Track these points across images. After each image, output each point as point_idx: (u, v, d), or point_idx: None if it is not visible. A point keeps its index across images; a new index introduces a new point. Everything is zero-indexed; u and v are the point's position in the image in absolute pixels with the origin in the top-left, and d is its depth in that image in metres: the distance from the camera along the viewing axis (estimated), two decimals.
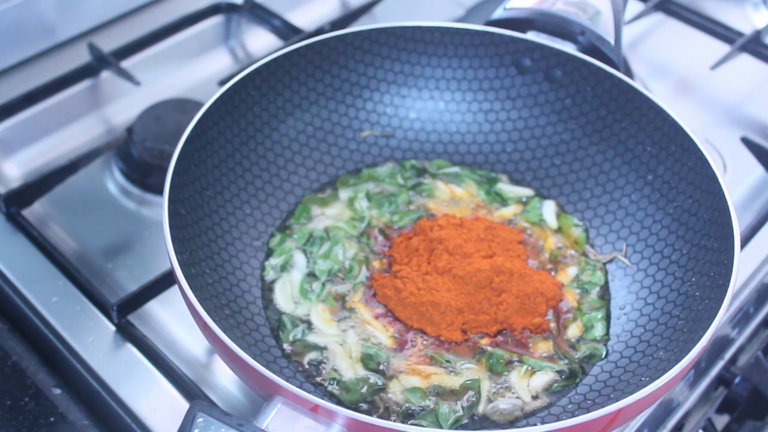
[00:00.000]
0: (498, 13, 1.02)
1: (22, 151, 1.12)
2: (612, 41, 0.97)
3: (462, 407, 0.81)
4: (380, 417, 0.80)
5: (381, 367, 0.84)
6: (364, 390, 0.82)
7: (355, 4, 1.35)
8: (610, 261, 0.94)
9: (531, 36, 0.99)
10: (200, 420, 0.65)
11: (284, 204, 0.97)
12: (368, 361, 0.84)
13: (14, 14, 1.17)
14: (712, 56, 1.25)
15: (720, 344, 0.98)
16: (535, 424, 0.80)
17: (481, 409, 0.82)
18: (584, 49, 0.99)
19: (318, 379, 0.83)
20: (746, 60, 1.26)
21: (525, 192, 1.00)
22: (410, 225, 0.96)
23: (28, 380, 0.87)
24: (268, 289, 0.90)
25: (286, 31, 1.26)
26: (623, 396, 0.70)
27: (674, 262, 0.89)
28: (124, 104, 1.18)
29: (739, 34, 1.28)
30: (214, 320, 0.73)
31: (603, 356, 0.86)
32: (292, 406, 0.68)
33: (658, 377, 0.71)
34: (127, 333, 0.92)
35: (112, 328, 0.92)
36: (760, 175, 1.13)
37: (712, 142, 1.16)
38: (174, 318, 0.94)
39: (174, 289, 0.94)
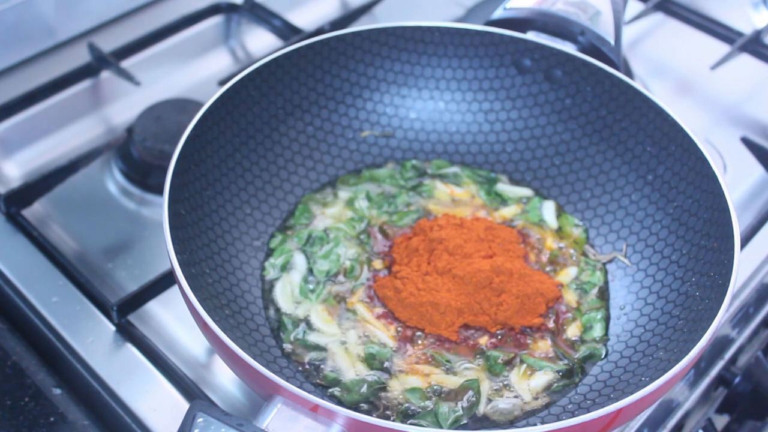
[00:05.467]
0: (498, 13, 1.02)
1: (22, 151, 1.12)
2: (612, 41, 0.98)
3: (462, 407, 0.81)
4: (380, 417, 0.80)
5: (386, 365, 0.84)
6: (364, 390, 0.82)
7: (355, 4, 1.35)
8: (610, 261, 0.94)
9: (531, 36, 0.99)
10: (200, 420, 0.65)
11: (284, 204, 0.97)
12: (372, 360, 0.84)
13: (14, 14, 1.17)
14: (712, 56, 1.25)
15: (720, 344, 0.98)
16: (535, 424, 0.80)
17: (481, 409, 0.82)
18: (584, 49, 0.99)
19: (318, 379, 0.83)
20: (746, 60, 1.26)
21: (525, 192, 1.00)
22: (410, 225, 0.97)
23: (28, 380, 0.87)
24: (268, 289, 0.90)
25: (286, 31, 1.26)
26: (623, 396, 0.70)
27: (674, 262, 0.89)
28: (124, 104, 1.18)
29: (739, 34, 1.28)
30: (214, 320, 0.73)
31: (602, 356, 0.86)
32: (292, 406, 0.68)
33: (658, 377, 0.71)
34: (127, 333, 0.92)
35: (112, 328, 0.92)
36: (760, 175, 1.13)
37: (712, 142, 1.16)
38: (174, 318, 0.94)
39: (174, 289, 0.94)
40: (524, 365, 0.85)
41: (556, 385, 0.84)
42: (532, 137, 1.02)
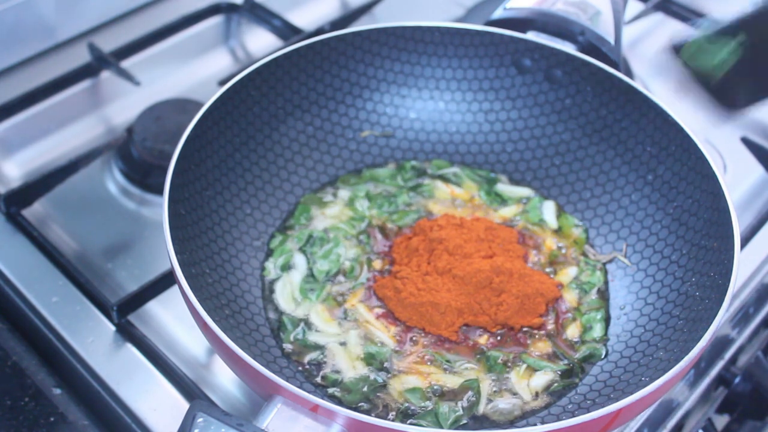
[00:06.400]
0: (498, 13, 1.02)
1: (22, 151, 1.12)
2: (612, 41, 0.98)
3: (462, 407, 0.81)
4: (380, 416, 0.80)
5: (386, 365, 0.84)
6: (364, 389, 0.82)
7: (355, 4, 1.35)
8: (610, 261, 0.94)
9: (531, 36, 0.99)
10: (200, 420, 0.65)
11: (284, 204, 0.97)
12: (371, 360, 0.84)
13: (14, 14, 1.17)
14: None
15: (720, 344, 0.98)
16: (535, 424, 0.80)
17: (481, 409, 0.82)
18: (584, 49, 0.99)
19: (318, 379, 0.83)
20: None
21: (525, 192, 1.00)
22: (410, 225, 0.97)
23: (28, 380, 0.87)
24: (268, 289, 0.90)
25: (286, 31, 1.26)
26: (623, 396, 0.70)
27: (674, 262, 0.89)
28: (124, 104, 1.18)
29: None
30: (214, 320, 0.73)
31: (602, 356, 0.86)
32: (292, 406, 0.68)
33: (658, 377, 0.71)
34: (127, 333, 0.92)
35: (112, 328, 0.92)
36: (760, 175, 1.13)
37: (712, 142, 1.16)
38: (174, 318, 0.94)
39: (174, 289, 0.94)
40: (524, 365, 0.85)
41: (556, 385, 0.84)
42: (532, 137, 1.02)
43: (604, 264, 0.94)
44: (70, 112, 1.16)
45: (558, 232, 0.97)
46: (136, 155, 1.08)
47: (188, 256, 0.82)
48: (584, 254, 0.95)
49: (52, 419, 0.84)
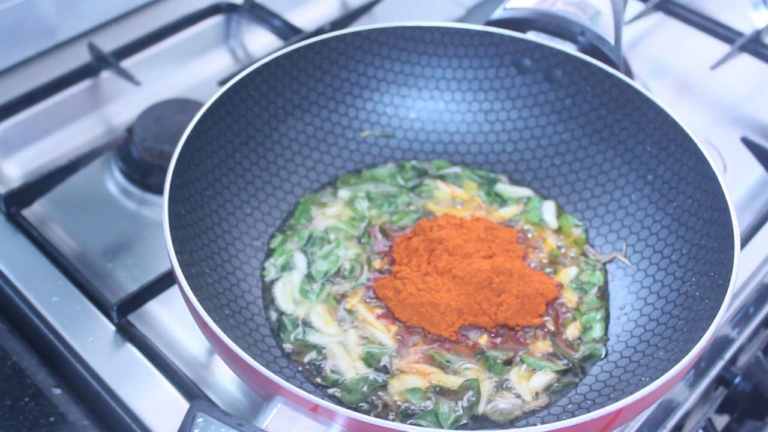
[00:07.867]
0: (498, 13, 1.02)
1: (22, 151, 1.12)
2: (612, 41, 0.98)
3: (462, 407, 0.81)
4: (380, 416, 0.80)
5: (386, 365, 0.84)
6: (364, 389, 0.82)
7: (355, 4, 1.35)
8: (610, 261, 0.94)
9: (531, 36, 0.99)
10: (200, 420, 0.65)
11: (284, 204, 0.97)
12: (371, 360, 0.84)
13: (14, 14, 1.17)
14: (712, 56, 1.25)
15: (720, 344, 0.98)
16: (535, 424, 0.80)
17: (481, 409, 0.82)
18: (584, 49, 0.99)
19: (318, 379, 0.83)
20: (746, 60, 1.26)
21: (525, 192, 1.00)
22: (410, 225, 0.97)
23: (28, 380, 0.87)
24: (268, 289, 0.90)
25: (286, 31, 1.26)
26: (623, 396, 0.70)
27: (674, 262, 0.89)
28: (124, 104, 1.18)
29: (739, 34, 1.28)
30: (214, 320, 0.73)
31: (602, 356, 0.86)
32: (292, 406, 0.68)
33: (658, 377, 0.71)
34: (127, 333, 0.92)
35: (112, 328, 0.92)
36: (760, 175, 1.13)
37: (712, 142, 1.16)
38: (174, 318, 0.94)
39: (174, 289, 0.94)
40: (524, 365, 0.85)
41: (556, 385, 0.84)
42: (532, 137, 1.02)
43: (604, 264, 0.94)
44: (70, 112, 1.16)
45: (558, 232, 0.97)
46: (136, 155, 1.08)
47: (188, 256, 0.82)
48: (584, 254, 0.95)
49: (52, 419, 0.84)
